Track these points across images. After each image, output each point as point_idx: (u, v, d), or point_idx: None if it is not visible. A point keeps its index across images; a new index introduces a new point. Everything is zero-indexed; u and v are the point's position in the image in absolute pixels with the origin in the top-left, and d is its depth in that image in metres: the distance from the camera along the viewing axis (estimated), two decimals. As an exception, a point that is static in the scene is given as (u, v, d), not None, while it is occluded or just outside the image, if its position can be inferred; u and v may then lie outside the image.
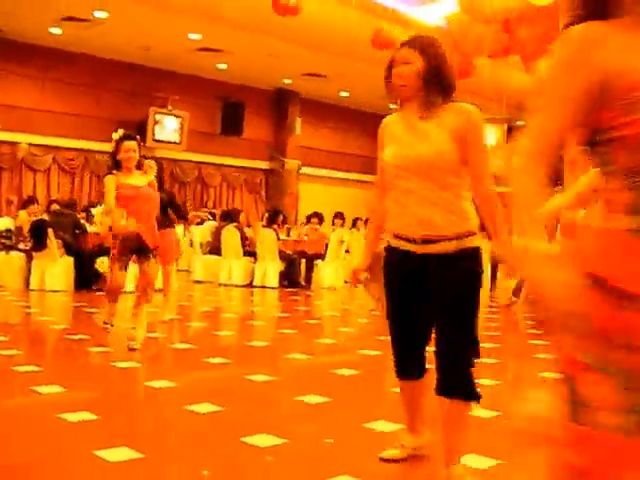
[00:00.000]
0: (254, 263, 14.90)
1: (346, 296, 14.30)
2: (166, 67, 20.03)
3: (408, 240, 3.51)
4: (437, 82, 3.48)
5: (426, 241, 3.45)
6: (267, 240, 14.67)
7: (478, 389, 3.50)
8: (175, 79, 20.59)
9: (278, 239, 14.76)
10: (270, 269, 14.66)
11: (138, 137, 7.36)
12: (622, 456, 1.61)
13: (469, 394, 3.48)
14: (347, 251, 16.39)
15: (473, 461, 3.85)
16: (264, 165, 23.16)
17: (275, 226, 15.41)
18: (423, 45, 3.52)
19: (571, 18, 1.78)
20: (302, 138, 23.06)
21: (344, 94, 22.59)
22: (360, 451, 4.12)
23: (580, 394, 1.65)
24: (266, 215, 16.80)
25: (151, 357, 7.08)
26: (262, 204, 22.83)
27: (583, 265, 1.64)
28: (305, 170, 23.37)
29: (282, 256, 14.81)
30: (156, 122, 20.26)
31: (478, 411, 4.14)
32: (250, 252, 14.94)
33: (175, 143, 20.78)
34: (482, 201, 3.49)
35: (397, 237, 3.57)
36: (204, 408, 4.87)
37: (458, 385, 3.45)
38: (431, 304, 3.51)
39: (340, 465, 3.78)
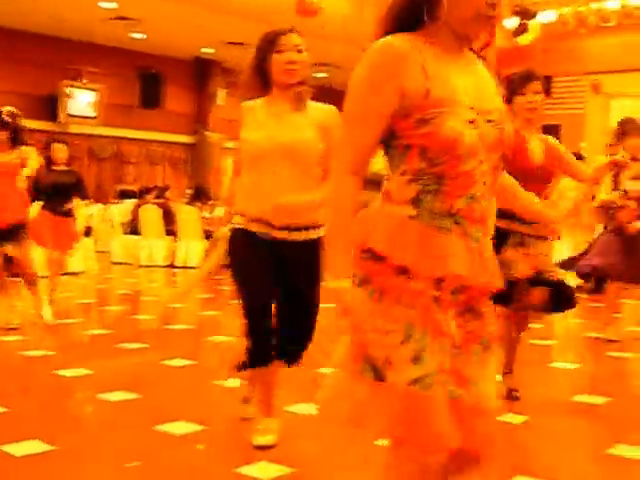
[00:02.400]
0: (176, 242, 14.81)
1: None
2: (78, 37, 19.69)
3: (268, 225, 3.67)
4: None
5: (285, 228, 3.66)
6: (189, 218, 14.61)
7: None
8: (89, 50, 20.25)
9: (201, 217, 14.70)
10: (193, 249, 14.60)
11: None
12: (420, 407, 1.96)
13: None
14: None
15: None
16: (186, 139, 22.96)
17: (198, 203, 15.35)
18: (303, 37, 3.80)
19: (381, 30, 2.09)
20: (225, 110, 22.93)
21: (268, 63, 22.55)
22: (280, 436, 4.18)
23: (374, 357, 2.02)
24: (189, 192, 16.71)
25: (64, 344, 7.03)
26: (185, 179, 22.66)
27: (367, 241, 2.04)
28: (230, 144, 23.26)
29: (206, 235, 14.77)
30: (68, 96, 19.91)
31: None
32: (171, 231, 14.84)
33: (90, 117, 20.47)
34: None
35: (254, 221, 3.69)
36: (119, 396, 4.88)
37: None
38: (283, 287, 3.80)
39: (260, 450, 3.83)
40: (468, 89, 2.03)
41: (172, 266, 14.53)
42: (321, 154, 3.63)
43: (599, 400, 5.12)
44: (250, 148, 3.71)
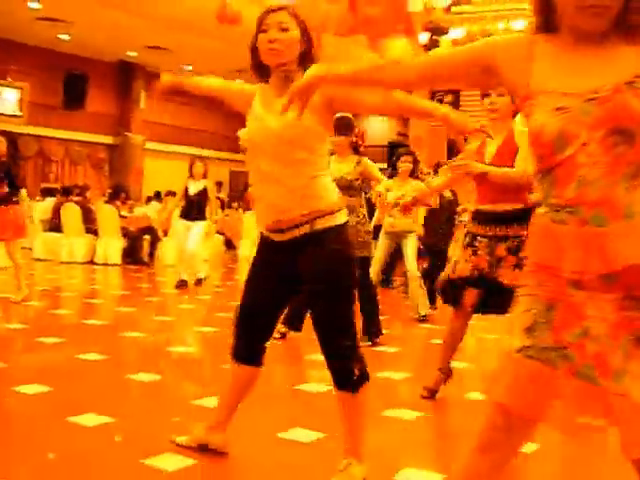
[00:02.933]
0: (95, 240, 14.72)
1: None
2: (4, 36, 19.35)
3: (265, 226, 3.40)
4: (309, 58, 3.31)
5: (277, 230, 3.31)
6: (108, 217, 14.53)
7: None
8: (16, 49, 19.94)
9: (120, 216, 14.63)
10: (112, 246, 14.53)
11: None
12: (516, 374, 2.00)
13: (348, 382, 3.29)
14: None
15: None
16: (108, 140, 22.78)
17: (118, 202, 15.27)
18: (297, 16, 3.34)
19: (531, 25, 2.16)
20: (147, 112, 22.78)
21: (188, 68, 22.43)
22: (187, 429, 4.24)
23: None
24: (108, 191, 16.63)
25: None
26: (106, 180, 22.45)
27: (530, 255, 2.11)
28: (150, 145, 23.12)
29: (124, 233, 14.71)
30: (-6, 93, 19.61)
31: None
32: (92, 229, 14.76)
33: (15, 116, 20.14)
34: None
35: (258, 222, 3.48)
36: (32, 389, 4.87)
37: (336, 373, 3.30)
38: (293, 290, 3.47)
39: (166, 443, 3.89)
40: (567, 74, 2.00)
41: (92, 263, 14.45)
42: (310, 135, 3.23)
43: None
44: (243, 144, 3.41)
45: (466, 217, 8.21)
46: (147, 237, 15.14)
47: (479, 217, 4.86)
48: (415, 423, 4.58)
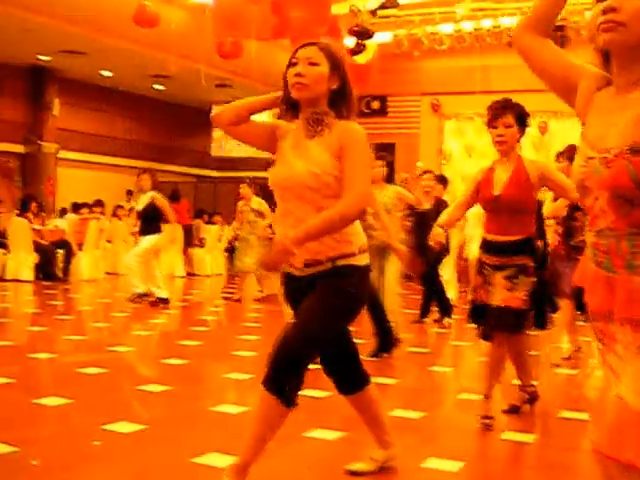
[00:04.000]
0: (6, 255, 14.32)
1: (106, 289, 14.06)
2: None
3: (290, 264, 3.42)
4: (342, 96, 3.39)
5: (300, 268, 3.40)
6: (19, 230, 14.16)
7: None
8: None
9: (32, 229, 14.27)
10: (23, 261, 14.15)
11: None
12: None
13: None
14: (109, 241, 16.18)
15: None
16: (19, 148, 22.22)
17: (29, 214, 14.87)
18: (330, 52, 3.38)
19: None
20: (61, 120, 22.32)
21: (106, 73, 22.05)
22: (97, 455, 4.06)
23: None
24: (20, 203, 16.21)
25: None
26: (17, 190, 21.92)
27: None
28: (64, 154, 22.66)
29: (37, 247, 14.33)
30: None
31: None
32: (2, 243, 14.36)
33: None
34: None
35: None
36: None
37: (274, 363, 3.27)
38: None
39: (83, 474, 3.71)
40: (601, 127, 2.12)
41: (1, 279, 14.02)
42: (335, 182, 3.30)
43: (414, 415, 5.22)
44: (271, 186, 3.45)
45: None
46: (61, 251, 14.77)
47: (486, 246, 5.02)
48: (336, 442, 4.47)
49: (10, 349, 7.41)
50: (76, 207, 17.29)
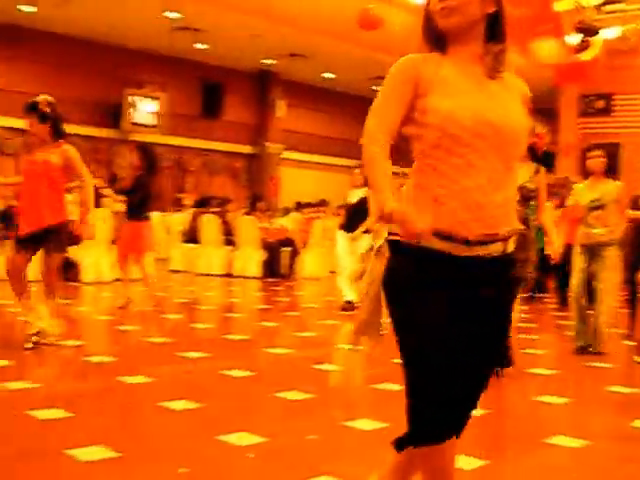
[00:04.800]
0: (234, 252, 14.90)
1: (330, 287, 14.31)
2: (143, 47, 19.92)
3: (458, 241, 2.41)
4: (500, 24, 2.52)
5: (481, 242, 2.44)
6: (248, 228, 14.68)
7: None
8: (152, 60, 20.50)
9: (259, 227, 14.77)
10: (250, 258, 14.67)
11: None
12: None
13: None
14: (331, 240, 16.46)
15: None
16: (245, 149, 23.10)
17: (256, 213, 15.41)
18: None
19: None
20: (285, 121, 23.01)
21: (329, 76, 22.55)
22: (342, 451, 4.15)
23: None
24: (247, 202, 16.84)
25: (126, 351, 7.08)
26: (243, 190, 22.77)
27: None
28: (287, 154, 23.33)
29: (264, 245, 14.82)
30: (132, 104, 20.14)
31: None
32: (230, 240, 14.95)
33: (152, 127, 20.67)
34: None
35: (442, 236, 2.41)
36: (180, 405, 4.88)
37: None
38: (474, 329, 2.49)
39: (322, 465, 3.80)
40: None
41: (229, 275, 14.61)
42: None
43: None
44: (443, 123, 2.41)
45: None
46: (286, 249, 15.20)
47: None
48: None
49: (245, 343, 7.70)
50: (299, 206, 17.71)
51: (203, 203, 16.52)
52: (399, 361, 2.45)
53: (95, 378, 5.84)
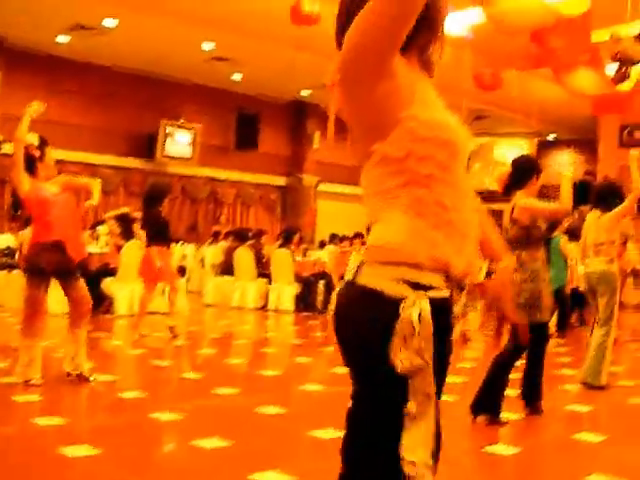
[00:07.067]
0: (268, 285, 14.93)
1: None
2: (178, 77, 20.12)
3: (455, 282, 2.09)
4: (422, 16, 2.02)
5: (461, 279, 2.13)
6: (282, 261, 14.71)
7: None
8: (187, 90, 20.69)
9: (294, 260, 14.79)
10: (285, 292, 14.68)
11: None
12: None
13: None
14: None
15: None
16: (280, 181, 23.17)
17: (291, 246, 15.43)
18: None
19: None
20: (321, 153, 23.06)
21: (365, 106, 22.60)
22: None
23: None
24: (282, 234, 16.86)
25: (157, 387, 7.11)
26: (278, 222, 22.84)
27: None
28: (324, 187, 23.37)
29: (298, 278, 14.82)
30: (167, 135, 20.29)
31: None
32: (264, 273, 14.98)
33: (186, 158, 20.81)
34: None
35: (447, 277, 2.06)
36: (210, 443, 4.88)
37: None
38: None
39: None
40: None
41: (264, 309, 14.63)
42: None
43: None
44: (442, 136, 2.08)
45: None
46: (321, 282, 15.18)
47: None
48: None
49: (278, 379, 7.69)
50: (333, 238, 17.71)
51: (240, 236, 16.57)
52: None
53: (125, 414, 5.86)
